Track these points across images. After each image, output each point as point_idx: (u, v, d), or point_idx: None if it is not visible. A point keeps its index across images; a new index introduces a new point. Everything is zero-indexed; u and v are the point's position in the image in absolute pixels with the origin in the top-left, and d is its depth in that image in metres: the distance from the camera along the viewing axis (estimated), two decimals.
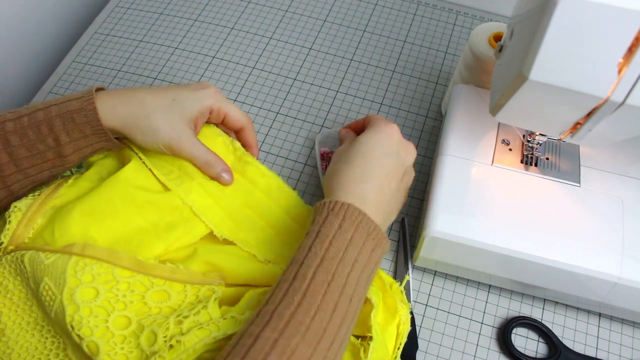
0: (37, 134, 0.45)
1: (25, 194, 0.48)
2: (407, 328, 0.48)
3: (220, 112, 0.50)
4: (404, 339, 0.48)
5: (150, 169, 0.50)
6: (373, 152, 0.47)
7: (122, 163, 0.51)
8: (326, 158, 0.63)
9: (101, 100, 0.46)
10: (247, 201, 0.52)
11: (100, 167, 0.51)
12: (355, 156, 0.47)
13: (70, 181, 0.49)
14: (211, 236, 0.50)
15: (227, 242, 0.50)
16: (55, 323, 0.42)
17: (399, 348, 0.47)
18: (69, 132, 0.45)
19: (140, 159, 0.50)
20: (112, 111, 0.46)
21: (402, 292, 0.50)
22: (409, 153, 0.49)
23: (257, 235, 0.51)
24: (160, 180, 0.49)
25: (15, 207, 0.45)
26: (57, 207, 0.47)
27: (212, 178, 0.51)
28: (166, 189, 0.49)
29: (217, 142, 0.53)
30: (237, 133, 0.55)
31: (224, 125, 0.54)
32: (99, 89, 0.48)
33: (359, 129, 0.53)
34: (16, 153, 0.45)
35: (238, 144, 0.54)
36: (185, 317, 0.42)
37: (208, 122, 0.54)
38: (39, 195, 0.47)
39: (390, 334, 0.47)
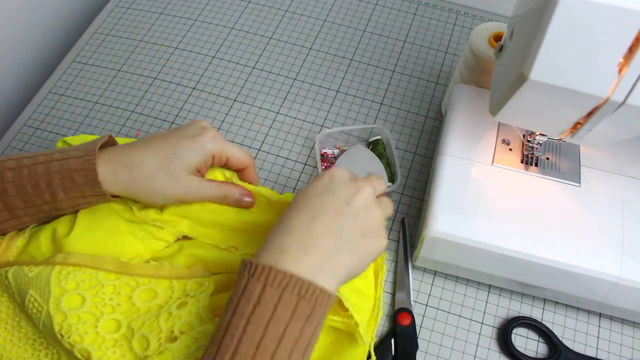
0: (35, 188, 0.44)
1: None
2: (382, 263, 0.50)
3: (222, 156, 0.50)
4: (384, 276, 0.50)
5: None
6: (306, 193, 0.42)
7: None
8: (326, 158, 0.63)
9: (103, 164, 0.45)
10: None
11: None
12: (290, 209, 0.41)
13: None
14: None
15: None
16: (45, 334, 0.42)
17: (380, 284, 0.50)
18: (66, 191, 0.44)
19: None
20: (114, 177, 0.45)
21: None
22: (357, 193, 0.41)
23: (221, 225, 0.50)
24: None
25: None
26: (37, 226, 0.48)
27: (235, 206, 0.50)
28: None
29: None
30: (239, 172, 0.54)
31: (226, 167, 0.53)
32: (101, 146, 0.46)
33: None
34: (12, 203, 0.44)
35: (228, 171, 0.53)
36: (176, 310, 0.42)
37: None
38: None
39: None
